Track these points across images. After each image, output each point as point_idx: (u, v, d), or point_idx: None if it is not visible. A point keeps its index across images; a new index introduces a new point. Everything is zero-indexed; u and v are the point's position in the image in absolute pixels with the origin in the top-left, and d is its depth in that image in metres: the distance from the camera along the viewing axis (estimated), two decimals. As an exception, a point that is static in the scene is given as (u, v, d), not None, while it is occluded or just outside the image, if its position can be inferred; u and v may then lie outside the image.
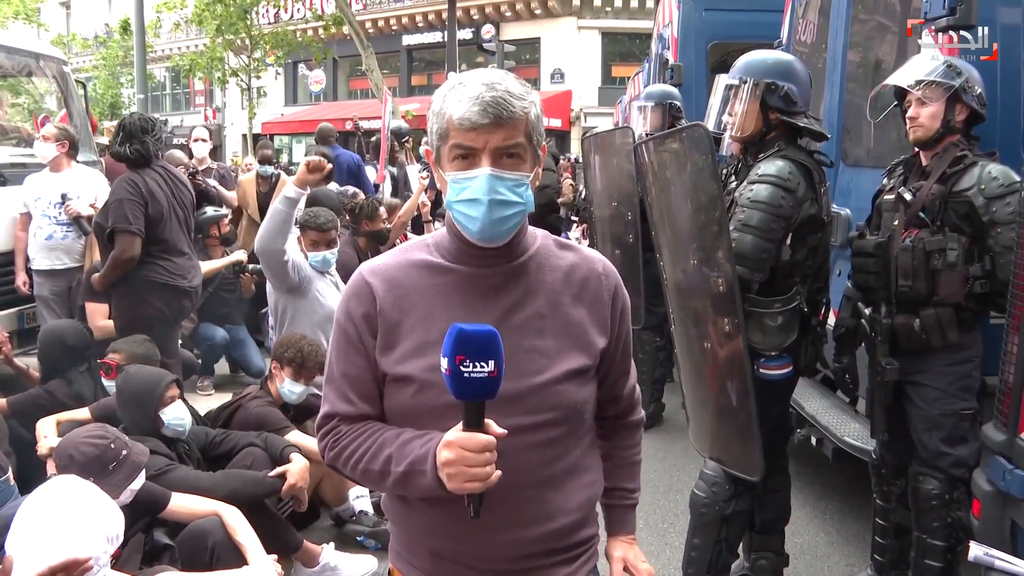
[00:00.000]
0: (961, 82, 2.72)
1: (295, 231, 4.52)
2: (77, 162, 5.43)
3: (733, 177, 3.01)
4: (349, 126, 20.35)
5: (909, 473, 2.95)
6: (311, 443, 3.43)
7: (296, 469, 3.21)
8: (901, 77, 2.83)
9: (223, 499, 2.91)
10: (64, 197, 5.16)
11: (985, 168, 2.69)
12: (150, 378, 3.22)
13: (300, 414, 3.82)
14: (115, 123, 8.68)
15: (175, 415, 3.18)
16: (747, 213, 2.74)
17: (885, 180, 3.00)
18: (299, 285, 4.09)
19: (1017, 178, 2.67)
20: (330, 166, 3.97)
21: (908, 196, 2.81)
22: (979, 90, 2.75)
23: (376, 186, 7.52)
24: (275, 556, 2.81)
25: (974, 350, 2.82)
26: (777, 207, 2.73)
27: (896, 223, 2.84)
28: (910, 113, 2.80)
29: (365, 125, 11.55)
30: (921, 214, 2.78)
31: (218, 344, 6.06)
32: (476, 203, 1.39)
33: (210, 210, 6.13)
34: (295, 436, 3.54)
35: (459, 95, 1.39)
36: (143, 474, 2.72)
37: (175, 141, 11.86)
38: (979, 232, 2.72)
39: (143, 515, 2.77)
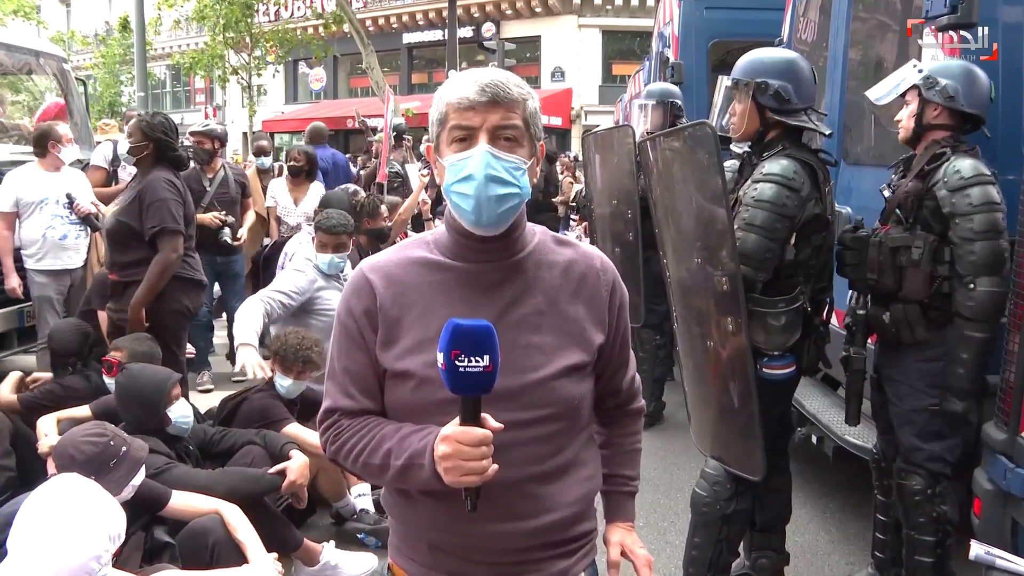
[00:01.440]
0: (920, 79, 2.74)
1: (308, 229, 4.54)
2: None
3: (737, 176, 3.01)
4: (350, 124, 20.41)
5: (894, 470, 2.97)
6: (309, 435, 3.45)
7: (296, 466, 3.20)
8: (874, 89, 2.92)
9: (222, 496, 2.90)
10: (70, 196, 5.17)
11: (952, 163, 2.70)
12: (157, 377, 3.23)
13: (306, 409, 3.82)
14: (114, 121, 8.70)
15: (181, 413, 3.19)
16: (751, 212, 2.74)
17: (893, 177, 3.02)
18: (301, 309, 4.18)
19: (984, 170, 2.66)
20: None
21: (887, 193, 2.88)
22: (944, 83, 2.73)
23: (380, 185, 7.56)
24: (275, 554, 2.81)
25: (944, 348, 2.79)
26: (781, 206, 2.72)
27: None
28: (896, 116, 2.87)
29: (370, 123, 11.54)
30: (898, 210, 2.81)
31: (201, 321, 5.89)
32: (472, 179, 1.38)
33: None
34: (293, 428, 3.55)
35: (457, 82, 1.42)
36: (143, 469, 2.72)
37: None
38: (947, 229, 2.72)
39: (143, 513, 2.77)
